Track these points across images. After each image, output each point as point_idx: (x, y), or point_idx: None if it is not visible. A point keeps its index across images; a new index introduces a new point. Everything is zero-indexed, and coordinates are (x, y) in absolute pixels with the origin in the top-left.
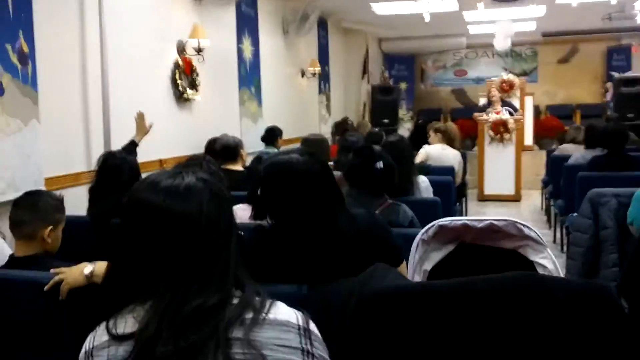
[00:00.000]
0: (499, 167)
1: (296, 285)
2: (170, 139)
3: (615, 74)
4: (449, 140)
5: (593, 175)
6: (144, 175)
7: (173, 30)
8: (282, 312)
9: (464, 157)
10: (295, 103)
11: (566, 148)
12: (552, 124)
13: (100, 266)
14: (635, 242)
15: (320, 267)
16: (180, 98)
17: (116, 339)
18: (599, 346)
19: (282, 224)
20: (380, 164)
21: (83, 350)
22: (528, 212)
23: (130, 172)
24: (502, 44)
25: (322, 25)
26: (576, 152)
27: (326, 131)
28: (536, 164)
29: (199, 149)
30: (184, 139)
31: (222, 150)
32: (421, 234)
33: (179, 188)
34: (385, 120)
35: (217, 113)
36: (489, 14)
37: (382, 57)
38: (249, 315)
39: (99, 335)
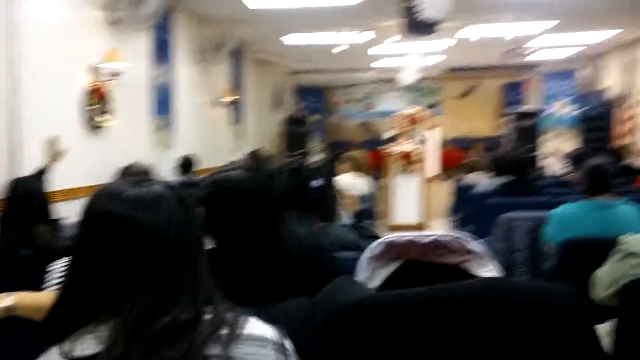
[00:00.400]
0: (406, 196)
1: (242, 307)
2: (80, 166)
3: (511, 109)
4: (358, 169)
5: (502, 201)
6: (53, 205)
7: (87, 54)
8: (256, 327)
9: (373, 184)
10: (209, 132)
11: (473, 177)
12: (455, 156)
13: (22, 298)
14: (552, 260)
15: (265, 289)
16: (93, 124)
17: None
18: (562, 350)
19: (225, 245)
20: (316, 182)
21: None
22: None
23: (41, 199)
24: (410, 77)
25: (237, 55)
26: (482, 181)
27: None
28: (441, 193)
29: (111, 177)
30: (94, 166)
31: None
32: (370, 250)
33: (146, 197)
34: (299, 151)
35: (130, 140)
36: (399, 47)
37: (295, 90)
38: (224, 331)
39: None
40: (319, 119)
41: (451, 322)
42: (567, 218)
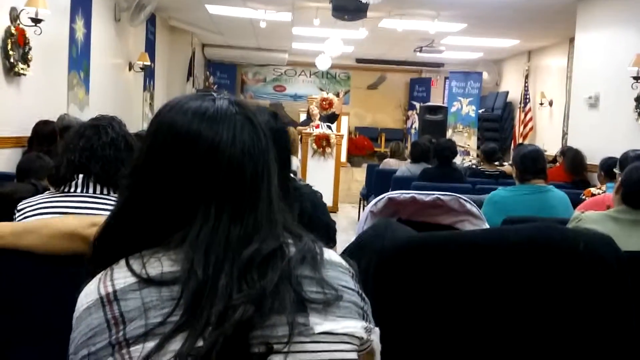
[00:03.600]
0: (319, 179)
1: None
2: None
3: (417, 103)
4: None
5: (426, 185)
6: None
7: None
8: (332, 254)
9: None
10: (121, 96)
11: (389, 162)
12: (363, 144)
13: (2, 225)
14: None
15: None
16: (10, 71)
17: (153, 282)
18: (610, 289)
19: None
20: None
21: (93, 297)
22: (347, 223)
23: None
24: (326, 63)
25: (151, 19)
26: (399, 166)
27: None
28: (348, 179)
29: (24, 131)
30: (9, 117)
31: (63, 131)
32: (371, 206)
33: (208, 111)
34: None
35: (46, 94)
36: (316, 31)
37: (205, 63)
38: (310, 256)
39: (120, 277)
40: None
41: (517, 264)
42: (504, 200)
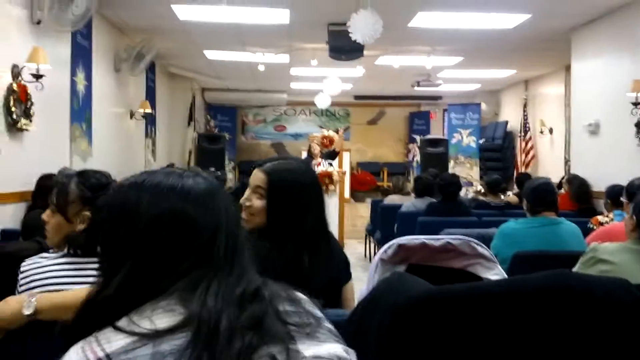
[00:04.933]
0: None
1: None
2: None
3: (417, 137)
4: None
5: (433, 220)
6: None
7: (8, 53)
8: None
9: None
10: (123, 144)
11: (393, 198)
12: (365, 179)
13: (42, 300)
14: None
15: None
16: (13, 127)
17: (151, 336)
18: (631, 334)
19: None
20: None
21: None
22: (354, 259)
23: None
24: (325, 101)
25: (151, 67)
26: (403, 202)
27: None
28: (352, 215)
29: (28, 185)
30: (12, 173)
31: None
32: (381, 253)
33: (203, 192)
34: (212, 168)
35: (49, 147)
36: (314, 71)
37: (205, 107)
38: (284, 294)
39: (110, 341)
40: (229, 137)
41: (535, 313)
42: (515, 232)
